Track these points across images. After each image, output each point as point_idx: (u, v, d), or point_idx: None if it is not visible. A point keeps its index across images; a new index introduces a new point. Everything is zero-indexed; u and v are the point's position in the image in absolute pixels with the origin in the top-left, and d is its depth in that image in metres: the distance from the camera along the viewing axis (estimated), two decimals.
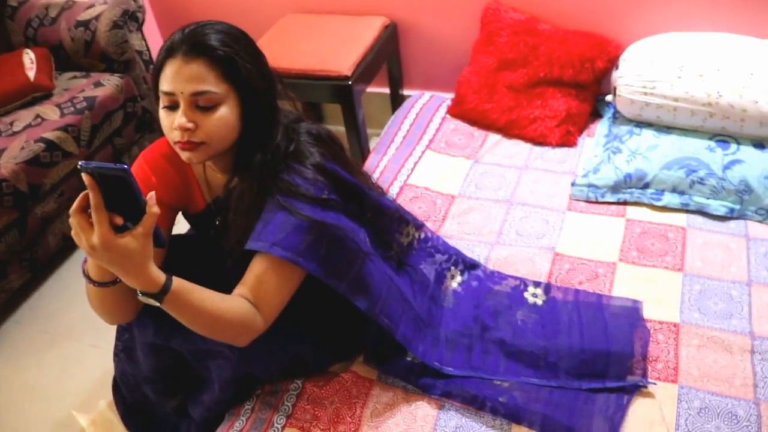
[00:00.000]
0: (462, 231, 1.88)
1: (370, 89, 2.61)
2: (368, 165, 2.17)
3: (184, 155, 1.16)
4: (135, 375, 1.49)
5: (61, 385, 2.03)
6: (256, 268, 1.19)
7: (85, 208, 0.94)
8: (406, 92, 2.69)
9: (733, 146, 1.89)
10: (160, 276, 1.02)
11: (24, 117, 2.30)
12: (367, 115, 2.54)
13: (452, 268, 1.65)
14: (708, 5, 2.12)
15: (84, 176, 0.89)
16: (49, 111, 2.32)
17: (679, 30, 2.11)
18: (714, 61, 1.93)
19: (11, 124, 2.27)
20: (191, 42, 1.12)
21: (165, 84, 1.13)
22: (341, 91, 2.28)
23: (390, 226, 1.46)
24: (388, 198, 1.46)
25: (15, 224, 2.16)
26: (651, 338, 1.52)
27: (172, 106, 1.14)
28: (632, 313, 1.59)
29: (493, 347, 1.52)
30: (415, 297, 1.49)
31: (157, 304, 1.04)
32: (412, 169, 2.11)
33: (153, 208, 0.95)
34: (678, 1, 2.15)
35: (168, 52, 1.13)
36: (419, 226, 1.60)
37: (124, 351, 1.46)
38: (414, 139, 2.24)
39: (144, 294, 1.03)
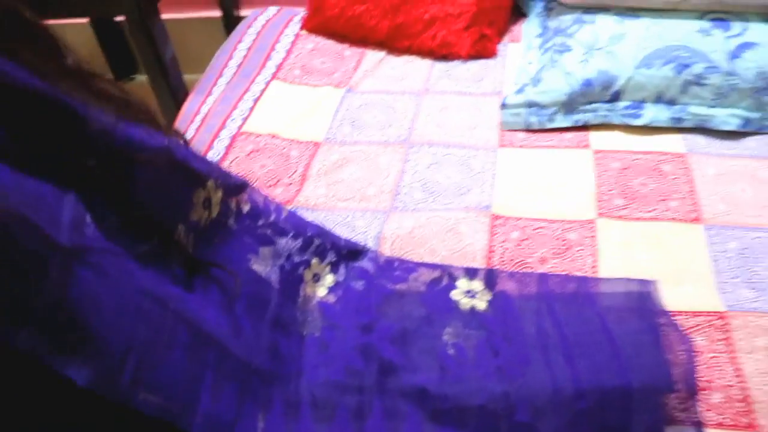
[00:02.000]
0: (334, 196, 1.11)
1: (190, 14, 1.82)
2: (185, 113, 1.37)
3: None
4: None
5: None
6: None
7: None
8: (243, 13, 1.90)
9: (737, 25, 1.21)
10: None
11: None
12: (190, 54, 1.75)
13: (314, 260, 0.88)
14: None
15: None
16: None
17: None
18: None
19: None
20: None
21: None
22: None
23: (159, 188, 0.66)
24: (149, 131, 0.65)
25: None
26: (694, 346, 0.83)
27: None
28: (645, 304, 0.88)
29: (405, 406, 0.78)
30: (236, 329, 0.72)
31: None
32: (251, 110, 1.32)
33: None
34: None
35: None
36: (235, 187, 0.80)
37: None
38: (253, 68, 1.45)
39: None
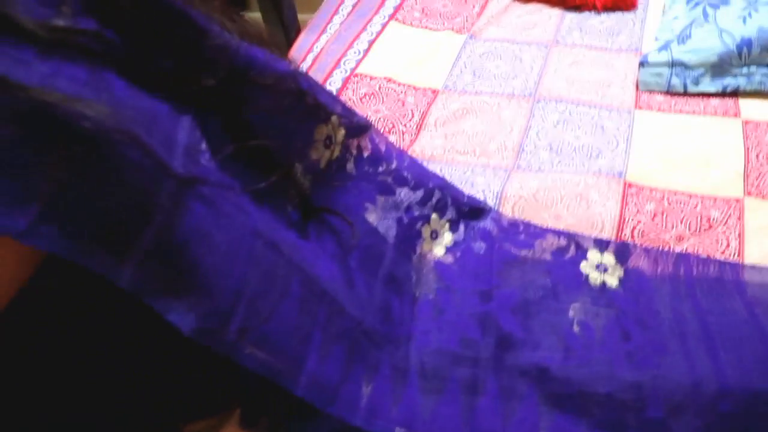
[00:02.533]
0: (452, 149, 1.04)
1: None
2: (297, 51, 1.32)
3: None
4: None
5: None
6: None
7: None
8: None
9: None
10: None
11: None
12: None
13: (433, 216, 0.81)
14: None
15: None
16: None
17: None
18: None
19: None
20: None
21: None
22: None
23: (279, 117, 0.60)
24: (272, 55, 0.59)
25: None
26: None
27: None
28: None
29: (523, 386, 0.71)
30: (349, 284, 0.66)
31: None
32: (366, 51, 1.26)
33: None
34: None
35: None
36: (359, 127, 0.73)
37: None
38: (370, 7, 1.38)
39: None
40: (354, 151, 0.73)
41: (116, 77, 0.42)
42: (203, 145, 0.48)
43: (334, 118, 0.66)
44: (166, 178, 0.43)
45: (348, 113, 0.70)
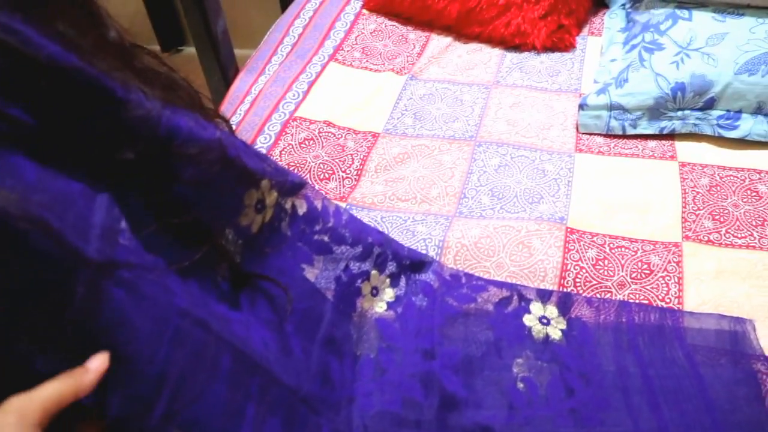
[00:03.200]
0: (393, 195, 1.02)
1: None
2: (234, 93, 1.29)
3: None
4: None
5: None
6: None
7: None
8: None
9: None
10: None
11: None
12: (243, 27, 1.66)
13: (373, 272, 0.79)
14: None
15: None
16: None
17: None
18: None
19: None
20: None
21: None
22: None
23: (206, 188, 0.57)
24: (198, 120, 0.56)
25: None
26: None
27: None
28: (739, 346, 0.78)
29: None
30: (285, 351, 0.63)
31: None
32: (306, 93, 1.24)
33: None
34: None
35: None
36: (292, 187, 0.71)
37: None
38: (309, 48, 1.36)
39: None
40: (289, 210, 0.71)
41: (24, 159, 0.39)
42: (122, 224, 0.45)
43: (264, 182, 0.64)
44: (81, 266, 0.40)
45: (280, 174, 0.67)
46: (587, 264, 0.90)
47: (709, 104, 1.08)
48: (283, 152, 1.10)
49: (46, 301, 0.39)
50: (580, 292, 0.87)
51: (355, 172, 1.06)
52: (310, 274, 0.72)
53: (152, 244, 0.48)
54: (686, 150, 1.09)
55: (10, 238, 0.36)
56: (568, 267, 0.90)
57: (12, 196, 0.36)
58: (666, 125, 1.10)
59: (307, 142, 1.12)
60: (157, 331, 0.46)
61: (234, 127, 1.16)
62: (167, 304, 0.47)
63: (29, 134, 0.41)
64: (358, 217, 0.96)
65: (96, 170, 0.46)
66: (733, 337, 0.80)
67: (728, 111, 1.09)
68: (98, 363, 0.41)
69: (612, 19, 1.35)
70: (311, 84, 1.26)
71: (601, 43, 1.32)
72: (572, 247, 0.92)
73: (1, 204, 0.36)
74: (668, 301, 0.86)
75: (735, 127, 1.08)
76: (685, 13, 1.17)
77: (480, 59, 1.32)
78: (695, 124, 1.09)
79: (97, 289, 0.41)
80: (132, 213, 0.46)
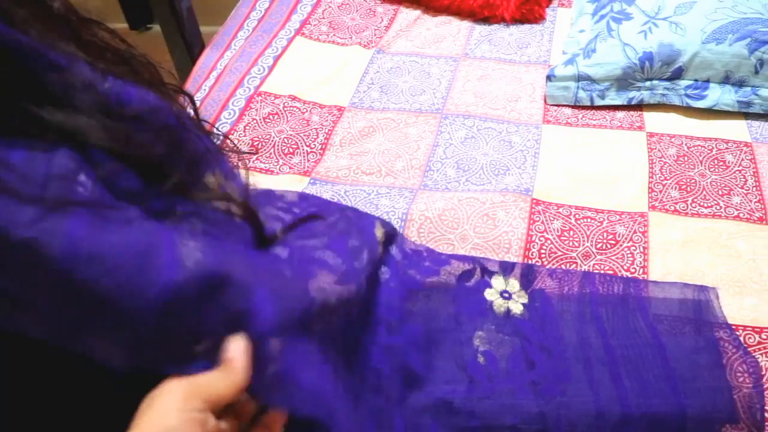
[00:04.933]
0: (357, 169, 1.00)
1: None
2: (199, 69, 1.26)
3: None
4: None
5: None
6: None
7: None
8: None
9: None
10: None
11: None
12: (209, 4, 1.68)
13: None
14: None
15: None
16: None
17: None
18: None
19: None
20: None
21: None
22: None
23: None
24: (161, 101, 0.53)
25: None
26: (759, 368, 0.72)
27: None
28: (702, 315, 0.78)
29: (427, 420, 0.68)
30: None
31: None
32: (272, 68, 1.21)
33: None
34: None
35: None
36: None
37: None
38: (276, 22, 1.33)
39: None
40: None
41: None
42: (82, 176, 0.42)
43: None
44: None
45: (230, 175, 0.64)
46: (552, 235, 0.90)
47: (677, 74, 1.07)
48: (247, 127, 1.08)
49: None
50: (545, 263, 0.86)
51: (320, 147, 1.05)
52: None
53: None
54: (654, 120, 1.08)
55: None
56: (533, 238, 0.89)
57: None
58: (634, 96, 1.09)
59: (271, 116, 1.10)
60: None
61: (198, 103, 1.14)
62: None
63: None
64: (322, 192, 0.94)
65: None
66: (697, 305, 0.79)
67: (696, 81, 1.08)
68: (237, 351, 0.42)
69: None
70: (277, 58, 1.23)
71: (571, 14, 1.30)
72: (537, 219, 0.91)
73: None
74: (633, 271, 0.86)
75: (703, 97, 1.07)
76: None
77: (449, 32, 1.30)
78: (663, 95, 1.08)
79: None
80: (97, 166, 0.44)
